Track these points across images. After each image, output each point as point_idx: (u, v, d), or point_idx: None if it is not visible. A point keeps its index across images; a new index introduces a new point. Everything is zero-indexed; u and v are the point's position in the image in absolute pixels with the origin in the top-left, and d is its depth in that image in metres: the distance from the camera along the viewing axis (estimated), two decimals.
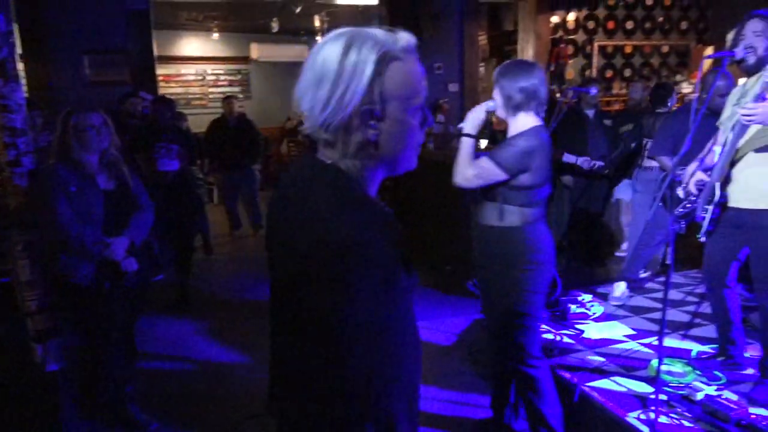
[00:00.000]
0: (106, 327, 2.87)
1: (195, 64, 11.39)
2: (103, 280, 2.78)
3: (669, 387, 2.89)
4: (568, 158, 4.82)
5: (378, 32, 1.05)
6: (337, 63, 1.03)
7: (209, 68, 11.53)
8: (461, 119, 2.62)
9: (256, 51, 11.10)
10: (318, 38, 9.97)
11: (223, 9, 8.85)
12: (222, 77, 11.70)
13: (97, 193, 2.81)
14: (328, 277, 0.99)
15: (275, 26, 9.03)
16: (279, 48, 11.16)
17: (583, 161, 4.78)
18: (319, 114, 1.05)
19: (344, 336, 1.01)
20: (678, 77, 8.35)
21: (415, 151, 1.15)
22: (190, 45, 11.29)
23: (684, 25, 8.18)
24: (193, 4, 7.25)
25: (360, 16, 8.51)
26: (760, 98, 2.50)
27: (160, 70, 9.04)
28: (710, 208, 2.82)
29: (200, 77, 11.50)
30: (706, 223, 2.85)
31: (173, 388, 3.55)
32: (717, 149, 2.86)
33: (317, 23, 9.54)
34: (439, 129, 6.28)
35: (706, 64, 2.72)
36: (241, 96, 11.62)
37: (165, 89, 10.45)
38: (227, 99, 6.82)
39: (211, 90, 11.47)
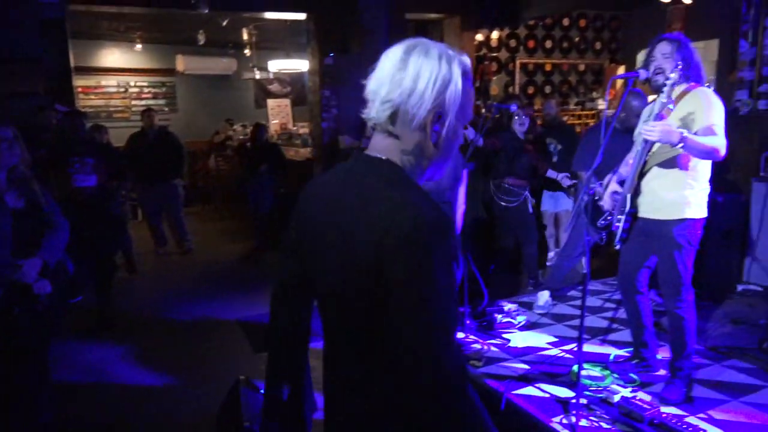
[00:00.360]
0: (16, 354, 2.70)
1: (117, 75, 10.97)
2: (12, 305, 2.62)
3: (589, 391, 3.01)
4: (551, 174, 5.00)
5: (454, 51, 1.22)
6: (431, 70, 1.16)
7: (132, 80, 11.15)
8: None
9: (182, 63, 10.83)
10: (246, 52, 9.85)
11: (146, 20, 8.60)
12: (146, 89, 11.32)
13: (5, 213, 2.66)
14: (424, 250, 1.08)
15: (202, 39, 8.86)
16: (206, 60, 10.94)
17: (562, 177, 4.96)
18: (395, 106, 1.17)
19: (437, 300, 1.10)
20: (594, 94, 8.81)
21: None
22: (112, 56, 10.88)
23: (598, 45, 8.65)
24: (113, 14, 7.01)
25: (288, 30, 8.49)
26: (658, 117, 2.67)
27: (79, 82, 8.66)
28: (623, 218, 2.98)
29: (123, 89, 11.09)
30: (619, 232, 3.01)
31: (94, 416, 3.38)
32: (631, 162, 3.04)
33: (245, 36, 9.43)
34: (366, 143, 6.33)
35: (615, 83, 2.89)
36: (166, 109, 11.32)
37: (84, 101, 10.00)
38: (146, 112, 6.65)
39: (134, 102, 11.08)
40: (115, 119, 10.74)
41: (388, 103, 1.17)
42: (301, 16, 6.21)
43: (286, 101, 11.94)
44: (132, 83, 11.16)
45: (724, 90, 6.33)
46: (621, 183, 3.04)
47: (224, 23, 7.64)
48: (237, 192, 8.55)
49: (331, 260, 1.22)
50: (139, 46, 10.56)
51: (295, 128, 10.80)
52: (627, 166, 3.06)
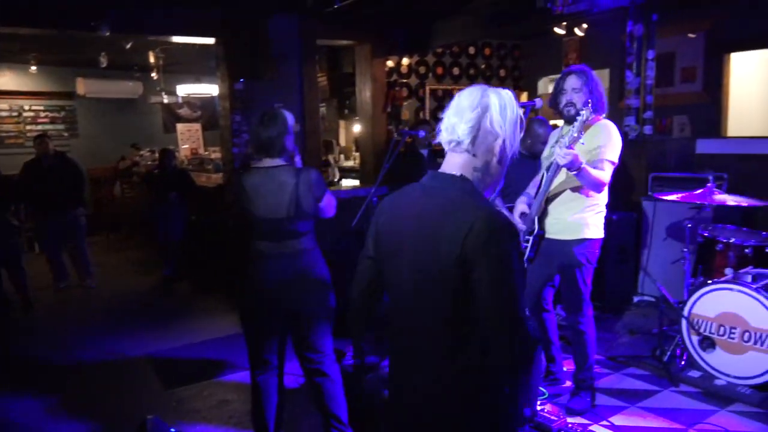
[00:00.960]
0: None
1: (9, 99, 10.29)
2: None
3: None
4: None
5: (511, 90, 1.61)
6: (503, 112, 1.53)
7: (27, 104, 10.48)
8: (303, 159, 2.87)
9: (82, 86, 10.31)
10: (153, 75, 9.54)
11: (42, 41, 8.15)
12: (42, 114, 10.67)
13: None
14: (503, 243, 1.41)
15: (104, 61, 8.48)
16: (109, 84, 10.47)
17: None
18: (476, 130, 1.52)
19: (514, 278, 1.41)
20: None
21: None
22: (3, 78, 10.21)
23: (502, 72, 9.09)
24: (6, 34, 6.59)
25: (197, 54, 8.32)
26: (569, 147, 2.85)
27: None
28: (530, 239, 3.14)
29: (16, 114, 10.40)
30: (527, 253, 3.17)
31: None
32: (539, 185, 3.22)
33: (152, 59, 9.14)
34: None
35: None
36: (66, 134, 10.71)
37: None
38: (38, 138, 6.28)
39: (29, 127, 10.39)
40: (8, 145, 10.05)
41: (472, 127, 1.50)
42: (210, 40, 6.11)
43: (197, 126, 11.63)
44: (26, 107, 10.49)
45: (615, 116, 6.84)
46: (529, 205, 3.21)
47: (128, 46, 7.37)
48: (145, 220, 8.21)
49: (419, 255, 1.49)
50: (34, 68, 9.96)
51: (206, 153, 10.53)
52: (535, 188, 3.24)
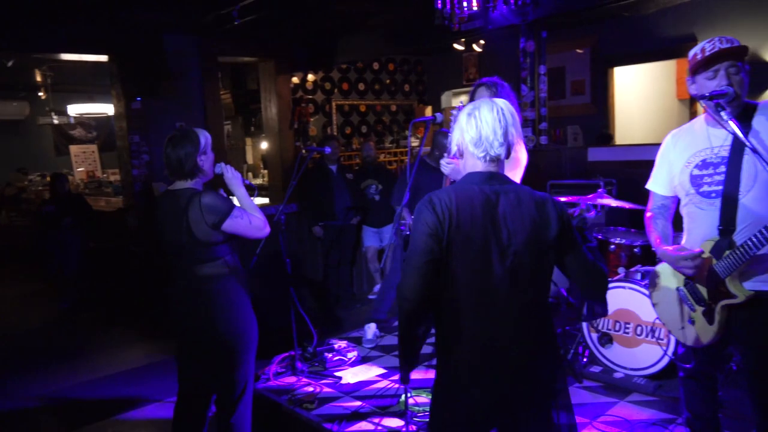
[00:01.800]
0: None
1: None
2: None
3: (417, 417, 3.15)
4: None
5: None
6: (507, 118, 1.87)
7: None
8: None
9: None
10: (41, 94, 8.96)
11: None
12: None
13: None
14: (569, 228, 1.88)
15: None
16: None
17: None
18: (509, 144, 1.88)
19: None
20: (406, 133, 9.42)
21: None
22: None
23: (407, 87, 9.31)
24: None
25: (89, 72, 7.91)
26: (454, 156, 2.94)
27: None
28: None
29: None
30: None
31: None
32: None
33: (39, 78, 8.60)
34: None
35: (414, 126, 3.15)
36: None
37: None
38: None
39: None
40: None
41: (505, 143, 1.85)
42: (103, 57, 5.82)
43: (93, 147, 11.03)
44: None
45: None
46: None
47: (9, 64, 6.89)
48: (37, 250, 7.64)
49: (513, 242, 1.79)
50: None
51: (104, 176, 10.00)
52: None
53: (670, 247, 2.31)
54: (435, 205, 1.77)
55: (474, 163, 1.87)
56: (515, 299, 1.82)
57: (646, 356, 3.56)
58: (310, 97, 8.15)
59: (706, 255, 2.20)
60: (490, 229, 1.78)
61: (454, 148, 1.93)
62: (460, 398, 1.84)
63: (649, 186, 2.48)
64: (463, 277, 1.79)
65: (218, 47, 6.31)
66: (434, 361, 3.97)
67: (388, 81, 9.07)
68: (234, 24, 5.41)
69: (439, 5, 5.10)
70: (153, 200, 5.91)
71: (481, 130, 1.83)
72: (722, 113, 2.06)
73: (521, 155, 2.99)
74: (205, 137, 2.67)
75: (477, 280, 1.79)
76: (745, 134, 2.04)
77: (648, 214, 2.47)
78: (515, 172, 2.98)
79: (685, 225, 2.36)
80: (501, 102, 1.89)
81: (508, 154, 1.88)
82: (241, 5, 5.25)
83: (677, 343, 2.53)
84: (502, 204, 1.81)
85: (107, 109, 9.33)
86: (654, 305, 2.53)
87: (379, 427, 3.10)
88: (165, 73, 5.84)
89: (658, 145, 2.47)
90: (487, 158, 1.84)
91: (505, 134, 1.84)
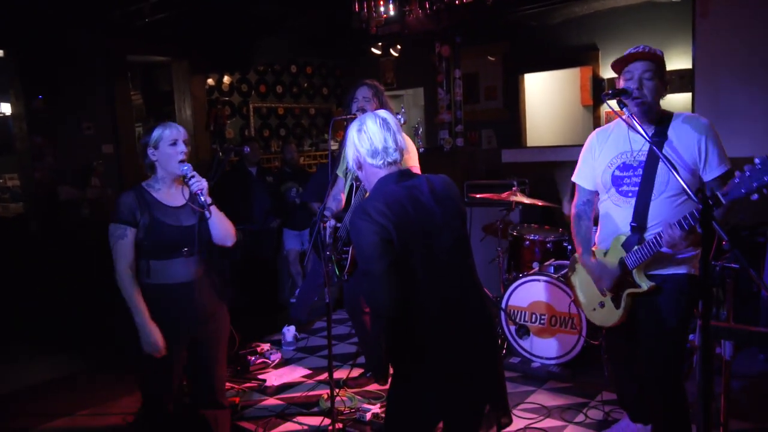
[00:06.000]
0: None
1: None
2: None
3: (343, 414, 3.15)
4: None
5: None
6: (394, 125, 2.04)
7: None
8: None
9: None
10: None
11: None
12: None
13: None
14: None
15: None
16: None
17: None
18: (401, 149, 2.03)
19: None
20: (325, 136, 9.39)
21: None
22: None
23: (325, 90, 9.29)
24: None
25: None
26: None
27: None
28: (350, 249, 3.21)
29: None
30: (347, 264, 3.23)
31: None
32: (344, 196, 3.33)
33: None
34: (94, 193, 5.78)
35: (335, 125, 3.17)
36: None
37: None
38: None
39: None
40: None
41: (398, 147, 1.99)
42: None
43: None
44: None
45: (431, 130, 7.35)
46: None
47: None
48: None
49: (447, 218, 1.95)
50: None
51: (0, 181, 9.29)
52: (336, 201, 3.34)
53: (593, 260, 2.52)
54: (371, 213, 1.82)
55: (375, 171, 1.98)
56: (464, 265, 2.00)
57: (560, 345, 3.74)
58: (227, 99, 7.96)
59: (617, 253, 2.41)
60: (424, 215, 1.91)
61: (351, 163, 2.03)
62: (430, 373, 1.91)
63: (575, 179, 2.65)
64: (420, 264, 1.87)
65: (129, 45, 6.05)
66: (359, 360, 4.00)
67: (306, 84, 9.02)
68: (144, 21, 5.21)
69: (357, 8, 5.16)
70: (58, 205, 5.56)
71: (373, 141, 1.96)
72: (624, 110, 2.23)
73: (410, 145, 3.11)
74: (160, 131, 2.54)
75: (433, 262, 1.90)
76: (661, 141, 2.26)
77: (573, 211, 2.65)
78: (413, 161, 3.09)
79: (601, 219, 2.56)
80: (382, 113, 2.03)
81: (401, 156, 2.01)
82: (152, 2, 5.07)
83: (588, 324, 2.72)
84: (423, 192, 1.95)
85: (3, 108, 8.69)
86: (572, 288, 2.73)
87: (306, 427, 3.08)
88: (70, 72, 5.53)
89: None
90: (386, 164, 1.96)
91: (395, 140, 1.98)
